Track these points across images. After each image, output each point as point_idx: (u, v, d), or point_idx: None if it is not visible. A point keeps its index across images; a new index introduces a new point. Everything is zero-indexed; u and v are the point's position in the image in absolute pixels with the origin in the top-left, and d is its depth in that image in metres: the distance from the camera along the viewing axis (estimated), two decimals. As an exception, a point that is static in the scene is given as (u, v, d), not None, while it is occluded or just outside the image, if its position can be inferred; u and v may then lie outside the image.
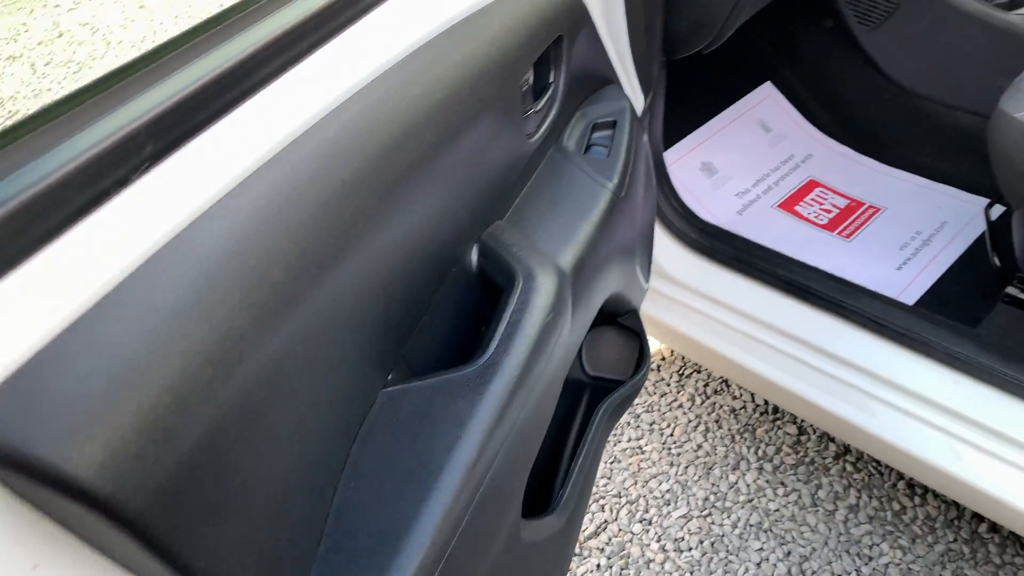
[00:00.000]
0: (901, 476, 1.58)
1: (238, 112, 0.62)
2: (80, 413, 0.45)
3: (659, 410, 1.76)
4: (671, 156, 1.82)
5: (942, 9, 1.71)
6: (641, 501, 1.61)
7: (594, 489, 1.63)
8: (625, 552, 1.53)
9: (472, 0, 0.78)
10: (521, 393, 0.69)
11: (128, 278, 0.50)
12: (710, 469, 1.64)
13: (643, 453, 1.69)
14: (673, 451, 1.68)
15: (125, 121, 0.55)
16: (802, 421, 1.69)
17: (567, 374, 0.98)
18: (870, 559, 1.47)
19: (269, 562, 0.56)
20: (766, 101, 1.97)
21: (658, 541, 1.54)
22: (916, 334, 1.29)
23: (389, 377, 0.68)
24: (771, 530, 1.53)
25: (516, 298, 0.74)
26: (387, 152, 0.69)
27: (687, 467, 1.65)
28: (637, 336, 1.17)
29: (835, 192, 1.81)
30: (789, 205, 1.78)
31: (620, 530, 1.57)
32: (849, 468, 1.61)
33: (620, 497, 1.62)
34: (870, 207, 1.77)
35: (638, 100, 1.24)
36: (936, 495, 1.55)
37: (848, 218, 1.74)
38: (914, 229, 1.71)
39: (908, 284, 1.58)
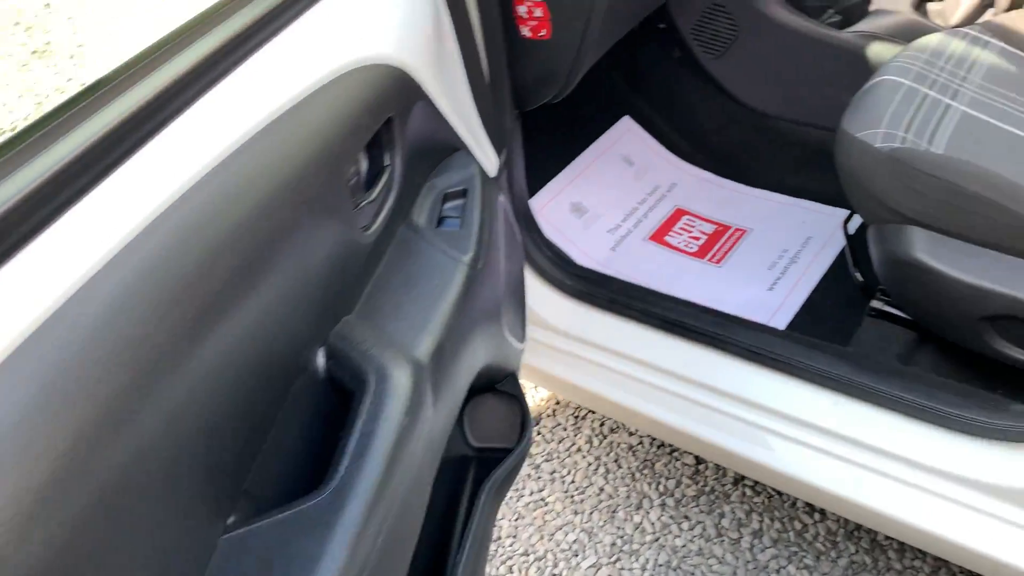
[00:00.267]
0: (799, 493, 1.60)
1: (56, 227, 0.58)
2: None
3: (559, 457, 1.74)
4: (540, 201, 1.81)
5: (780, 33, 1.77)
6: (549, 556, 1.57)
7: (501, 550, 1.59)
8: (539, 612, 1.50)
9: (289, 95, 0.74)
10: (379, 513, 0.65)
11: None
12: (614, 512, 1.62)
13: (546, 505, 1.66)
14: (576, 498, 1.66)
15: None
16: (699, 449, 1.70)
17: (448, 454, 0.94)
18: (779, 582, 1.48)
19: None
20: (626, 135, 1.99)
21: (571, 595, 1.51)
22: (791, 359, 1.31)
23: (230, 520, 0.63)
24: (680, 567, 1.52)
25: (367, 406, 0.70)
26: (210, 262, 0.64)
27: (591, 513, 1.63)
28: (518, 401, 1.14)
29: (702, 218, 1.84)
30: (660, 236, 1.80)
31: (531, 589, 1.53)
32: (749, 492, 1.62)
33: (528, 555, 1.58)
34: (737, 229, 1.80)
35: (490, 160, 1.22)
36: (834, 507, 1.57)
37: (717, 243, 1.77)
38: (781, 247, 1.75)
39: (780, 305, 1.61)
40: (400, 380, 0.74)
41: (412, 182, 0.96)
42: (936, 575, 1.46)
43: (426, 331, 0.82)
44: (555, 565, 1.56)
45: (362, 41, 0.85)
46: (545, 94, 1.39)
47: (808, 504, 1.58)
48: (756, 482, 1.63)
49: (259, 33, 0.78)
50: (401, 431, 0.70)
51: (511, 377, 1.17)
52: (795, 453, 1.29)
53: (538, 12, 1.28)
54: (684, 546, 1.55)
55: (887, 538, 1.51)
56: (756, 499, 1.60)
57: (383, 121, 0.84)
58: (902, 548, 1.50)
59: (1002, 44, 1.44)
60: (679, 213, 1.85)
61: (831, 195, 1.82)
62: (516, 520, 1.64)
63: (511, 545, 1.60)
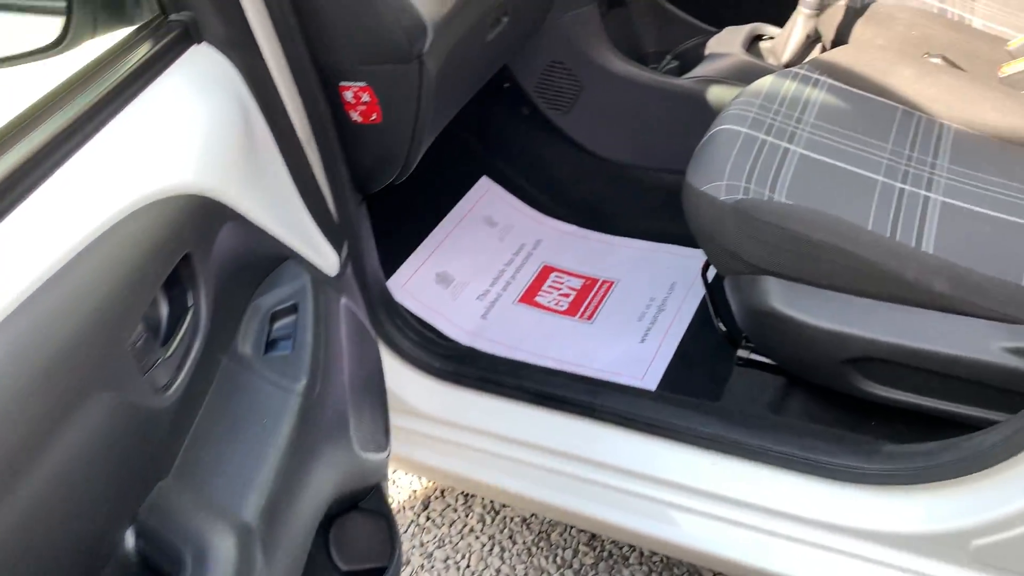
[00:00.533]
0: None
1: None
2: None
3: (451, 541, 1.66)
4: (402, 276, 1.75)
5: (621, 84, 1.77)
6: (450, 651, 1.50)
7: (399, 651, 1.50)
8: None
9: (57, 253, 0.66)
10: None
11: None
12: (514, 592, 1.56)
13: (443, 595, 1.58)
14: (473, 583, 1.59)
15: None
16: (593, 512, 1.66)
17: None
18: (685, 644, 1.44)
19: None
20: (486, 196, 1.96)
21: None
22: (666, 421, 1.28)
23: None
24: (586, 643, 1.47)
25: (183, 594, 0.62)
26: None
27: (491, 597, 1.57)
28: (384, 517, 1.07)
29: (569, 274, 1.81)
30: (530, 297, 1.76)
31: None
32: (646, 553, 1.59)
33: (428, 654, 1.50)
34: (604, 282, 1.78)
35: (329, 259, 1.15)
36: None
37: (586, 298, 1.74)
38: (648, 296, 1.74)
39: (653, 357, 1.59)
40: (222, 555, 0.66)
41: (232, 309, 0.89)
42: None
43: (253, 486, 0.75)
44: (457, 660, 1.49)
45: (148, 174, 0.77)
46: (386, 177, 1.34)
47: (706, 556, 1.56)
48: (653, 539, 1.60)
49: (24, 179, 0.70)
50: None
51: (375, 491, 1.09)
52: (681, 520, 1.26)
53: (365, 97, 1.23)
54: (587, 619, 1.50)
55: (785, 581, 1.50)
56: (654, 558, 1.57)
57: (178, 260, 0.77)
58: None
59: (831, 81, 1.47)
60: (547, 270, 1.82)
61: (692, 237, 1.83)
62: (413, 616, 1.56)
63: (410, 645, 1.52)
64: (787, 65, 1.72)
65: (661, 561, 1.56)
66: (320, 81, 1.18)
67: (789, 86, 1.45)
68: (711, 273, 1.60)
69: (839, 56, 1.52)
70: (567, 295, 1.76)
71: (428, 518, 1.70)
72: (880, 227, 1.19)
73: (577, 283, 1.79)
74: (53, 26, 0.94)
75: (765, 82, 1.46)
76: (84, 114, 0.76)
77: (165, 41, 0.90)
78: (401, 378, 1.42)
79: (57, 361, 0.61)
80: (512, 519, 1.68)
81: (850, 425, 1.33)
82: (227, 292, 0.87)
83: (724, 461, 1.24)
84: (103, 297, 0.66)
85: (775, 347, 1.32)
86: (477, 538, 1.66)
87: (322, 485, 0.89)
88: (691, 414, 1.28)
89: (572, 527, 1.64)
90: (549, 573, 1.58)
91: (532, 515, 1.68)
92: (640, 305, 1.72)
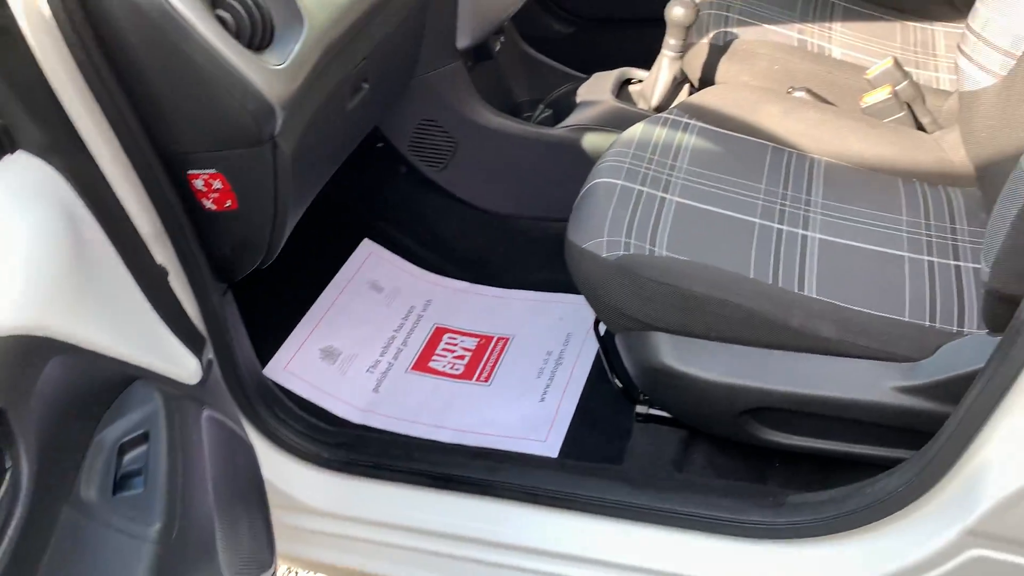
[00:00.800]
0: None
1: None
2: None
3: (361, 633, 1.57)
4: (284, 357, 1.65)
5: (496, 138, 1.74)
6: None
7: None
8: None
9: None
10: None
11: None
12: None
13: None
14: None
15: None
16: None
17: None
18: None
19: None
20: (370, 259, 1.88)
21: None
22: (569, 493, 1.24)
23: None
24: None
25: None
26: None
27: None
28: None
29: (463, 333, 1.75)
30: (423, 363, 1.69)
31: None
32: (566, 620, 1.53)
33: None
34: (500, 339, 1.73)
35: (187, 367, 1.06)
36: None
37: (482, 359, 1.69)
38: (545, 350, 1.69)
39: (554, 417, 1.54)
40: None
41: (70, 450, 0.79)
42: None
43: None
44: None
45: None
46: (249, 264, 1.26)
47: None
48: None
49: None
50: None
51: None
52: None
53: (217, 184, 1.15)
54: None
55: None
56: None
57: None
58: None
59: (701, 124, 1.46)
60: (440, 332, 1.76)
61: (584, 283, 1.81)
62: None
63: None
64: (657, 108, 1.72)
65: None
66: (166, 171, 1.10)
67: (660, 132, 1.43)
68: (604, 326, 1.57)
69: (707, 98, 1.52)
70: (462, 357, 1.70)
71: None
72: (762, 273, 1.18)
73: (472, 343, 1.73)
74: None
75: (636, 130, 1.45)
76: None
77: (-32, 155, 0.81)
78: (287, 473, 1.33)
79: None
80: (425, 601, 1.60)
81: (755, 472, 1.32)
82: (61, 433, 0.77)
83: (632, 528, 1.20)
84: None
85: (671, 402, 1.29)
86: (389, 626, 1.57)
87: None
88: (595, 482, 1.24)
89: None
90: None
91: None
92: (537, 360, 1.67)
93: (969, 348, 1.07)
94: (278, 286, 1.63)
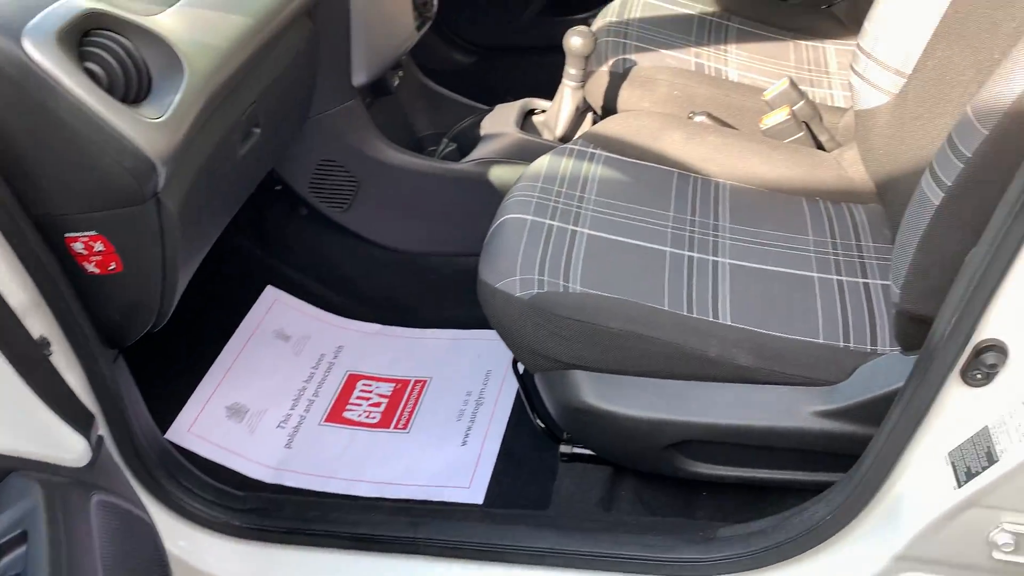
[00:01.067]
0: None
1: None
2: None
3: None
4: (187, 418, 1.56)
5: (400, 175, 1.69)
6: None
7: None
8: None
9: None
10: None
11: None
12: None
13: None
14: None
15: None
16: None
17: None
18: None
19: None
20: (274, 306, 1.81)
21: None
22: (496, 544, 1.19)
23: None
24: None
25: None
26: None
27: None
28: None
29: (378, 379, 1.69)
30: (337, 414, 1.62)
31: None
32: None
33: None
34: (417, 382, 1.68)
35: (74, 448, 0.97)
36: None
37: (399, 404, 1.63)
38: (464, 391, 1.64)
39: (477, 460, 1.49)
40: None
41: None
42: None
43: None
44: None
45: None
46: (140, 327, 1.18)
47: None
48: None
49: None
50: None
51: None
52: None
53: (99, 246, 1.07)
54: None
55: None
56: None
57: None
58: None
59: (606, 153, 1.45)
60: (353, 379, 1.69)
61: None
62: None
63: None
64: (562, 138, 1.70)
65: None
66: (42, 237, 1.01)
67: (567, 164, 1.41)
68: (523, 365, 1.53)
69: (610, 126, 1.50)
70: (378, 404, 1.64)
71: None
72: (676, 304, 1.16)
73: (387, 388, 1.67)
74: None
75: (543, 162, 1.42)
76: None
77: None
78: (196, 546, 1.25)
79: None
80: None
81: (683, 504, 1.30)
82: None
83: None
84: None
85: (595, 441, 1.26)
86: None
87: None
88: (523, 529, 1.20)
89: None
90: None
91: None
92: (457, 402, 1.62)
93: (885, 368, 1.07)
94: (176, 343, 1.54)
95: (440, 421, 1.59)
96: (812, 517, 1.05)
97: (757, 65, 1.78)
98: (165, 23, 1.06)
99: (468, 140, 1.78)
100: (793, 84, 1.57)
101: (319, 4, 1.45)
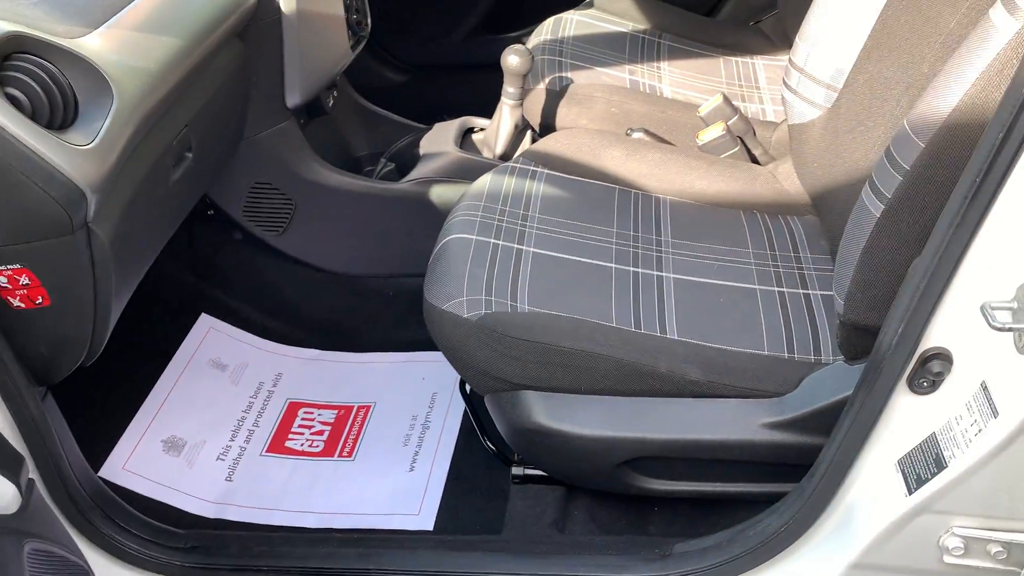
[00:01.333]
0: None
1: None
2: None
3: None
4: (121, 455, 1.49)
5: (338, 196, 1.66)
6: None
7: None
8: None
9: None
10: None
11: None
12: None
13: None
14: None
15: None
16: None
17: None
18: None
19: None
20: (209, 335, 1.75)
21: None
22: (449, 572, 1.17)
23: None
24: None
25: None
26: None
27: None
28: None
29: (319, 406, 1.65)
30: (279, 444, 1.57)
31: None
32: None
33: None
34: (360, 407, 1.64)
35: (4, 491, 0.92)
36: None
37: (343, 432, 1.59)
38: (410, 414, 1.62)
39: (425, 487, 1.46)
40: None
41: None
42: None
43: None
44: None
45: None
46: (70, 363, 1.13)
47: None
48: None
49: None
50: None
51: None
52: None
53: (24, 280, 1.02)
54: None
55: None
56: None
57: None
58: None
59: (548, 171, 1.45)
60: (294, 407, 1.65)
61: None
62: None
63: None
64: (502, 156, 1.70)
65: None
66: (-39, 271, 0.96)
67: (509, 182, 1.40)
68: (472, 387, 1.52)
69: (551, 144, 1.50)
70: (320, 432, 1.59)
71: None
72: (624, 320, 1.16)
73: (330, 415, 1.63)
74: None
75: (485, 181, 1.41)
76: None
77: None
78: (137, 591, 1.19)
79: None
80: None
81: (636, 521, 1.29)
82: None
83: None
84: None
85: (547, 461, 1.25)
86: None
87: None
88: (476, 556, 1.18)
89: None
90: None
91: None
92: (403, 427, 1.59)
93: (830, 378, 1.08)
94: (107, 376, 1.48)
95: (386, 447, 1.55)
96: (766, 529, 1.05)
97: (690, 81, 1.81)
98: (91, 46, 1.02)
99: (406, 159, 1.76)
100: (726, 100, 1.60)
101: (250, 25, 1.42)
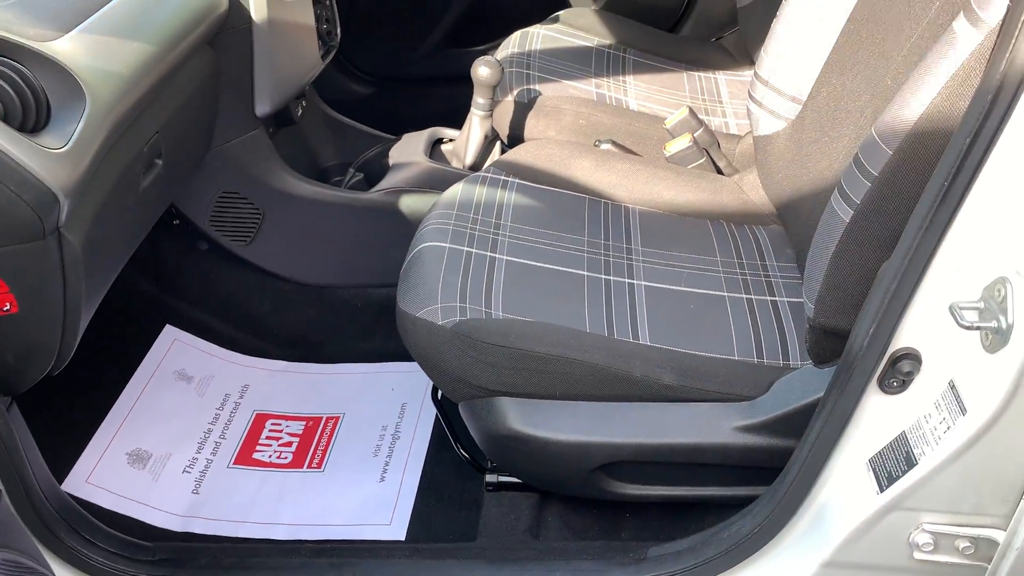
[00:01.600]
0: None
1: None
2: None
3: None
4: (85, 467, 1.46)
5: (307, 206, 1.65)
6: None
7: None
8: None
9: None
10: None
11: None
12: None
13: None
14: None
15: None
16: None
17: None
18: None
19: None
20: (174, 346, 1.72)
21: None
22: (426, 583, 1.16)
23: None
24: None
25: None
26: None
27: None
28: None
29: (287, 418, 1.63)
30: (246, 456, 1.55)
31: None
32: None
33: None
34: (328, 418, 1.63)
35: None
36: None
37: (312, 443, 1.57)
38: (379, 425, 1.61)
39: (397, 496, 1.45)
40: None
41: None
42: None
43: None
44: None
45: None
46: (37, 372, 1.10)
47: None
48: None
49: None
50: None
51: None
52: None
53: (-9, 286, 0.99)
54: None
55: None
56: None
57: None
58: None
59: (519, 180, 1.46)
60: (261, 419, 1.63)
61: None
62: None
63: None
64: (472, 167, 1.71)
65: None
66: (-74, 276, 0.94)
67: (481, 191, 1.41)
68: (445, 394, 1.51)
69: (521, 154, 1.52)
70: (289, 444, 1.58)
71: None
72: (597, 326, 1.17)
73: (298, 427, 1.61)
74: None
75: (457, 190, 1.42)
76: None
77: None
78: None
79: None
80: None
81: (609, 526, 1.30)
82: None
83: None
84: None
85: (522, 468, 1.25)
86: None
87: None
88: (450, 564, 1.18)
89: None
90: None
91: None
92: (373, 437, 1.58)
93: (800, 381, 1.10)
94: (71, 387, 1.45)
95: (356, 458, 1.54)
96: (740, 531, 1.07)
97: (655, 95, 1.84)
98: (63, 49, 1.01)
99: (375, 169, 1.76)
100: (692, 112, 1.63)
101: (221, 32, 1.41)
